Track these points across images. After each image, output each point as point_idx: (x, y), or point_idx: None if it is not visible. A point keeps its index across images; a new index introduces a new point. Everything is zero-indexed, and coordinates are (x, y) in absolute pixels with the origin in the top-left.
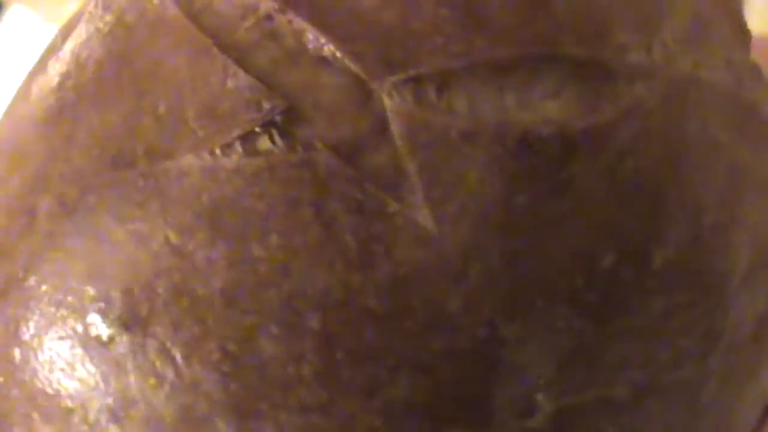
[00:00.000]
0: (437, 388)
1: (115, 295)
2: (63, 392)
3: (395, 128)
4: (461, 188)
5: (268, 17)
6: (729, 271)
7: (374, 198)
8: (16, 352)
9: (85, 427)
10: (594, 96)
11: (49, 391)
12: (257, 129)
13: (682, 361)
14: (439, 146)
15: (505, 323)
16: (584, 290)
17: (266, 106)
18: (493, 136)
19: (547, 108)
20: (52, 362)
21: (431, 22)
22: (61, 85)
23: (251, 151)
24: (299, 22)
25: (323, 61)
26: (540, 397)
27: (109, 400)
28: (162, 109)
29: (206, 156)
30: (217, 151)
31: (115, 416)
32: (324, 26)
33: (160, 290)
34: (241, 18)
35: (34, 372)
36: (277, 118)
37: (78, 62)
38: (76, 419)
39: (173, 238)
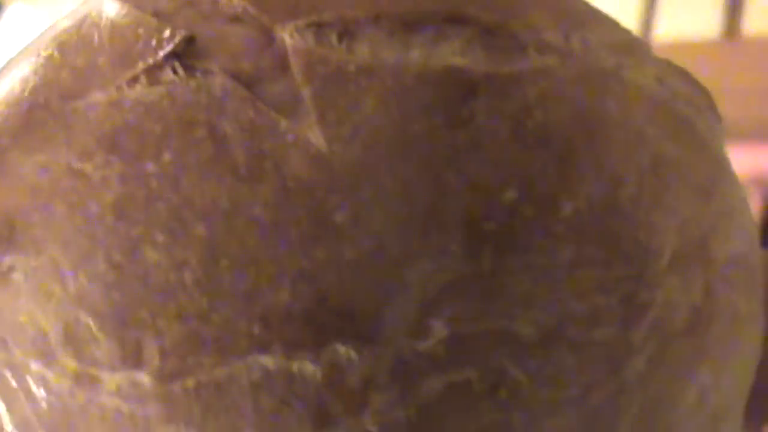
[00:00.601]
0: (319, 297)
1: (17, 223)
2: None
3: (293, 62)
4: (355, 114)
5: None
6: (652, 249)
7: (266, 117)
8: None
9: None
10: (501, 56)
11: None
12: (160, 62)
13: (598, 320)
14: (336, 78)
15: (393, 239)
16: (482, 219)
17: (167, 35)
18: (391, 71)
19: (451, 62)
20: None
21: None
22: None
23: (154, 83)
24: None
25: (234, 18)
26: (433, 321)
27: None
28: (79, 62)
29: (113, 91)
30: (124, 87)
31: (4, 344)
32: None
33: (56, 210)
34: None
35: None
36: (180, 51)
37: None
38: None
39: (74, 163)
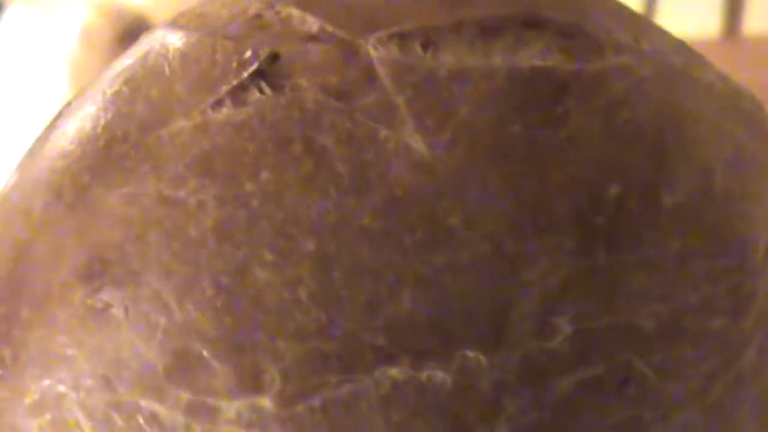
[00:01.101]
0: (442, 302)
1: (110, 257)
2: (57, 373)
3: (382, 72)
4: (452, 119)
5: (257, 15)
6: (750, 237)
7: (365, 127)
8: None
9: (76, 407)
10: (581, 56)
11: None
12: (244, 82)
13: (711, 310)
14: (428, 85)
15: (508, 239)
16: (591, 213)
17: (248, 55)
18: (481, 75)
19: (537, 63)
20: (50, 343)
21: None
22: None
23: (240, 104)
24: (287, 11)
25: (311, 37)
26: (557, 319)
27: (101, 369)
28: (154, 93)
29: (197, 116)
30: (208, 111)
31: (108, 384)
32: (309, 9)
33: (152, 239)
34: (232, 19)
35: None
36: (264, 69)
37: None
38: (69, 399)
39: (164, 190)
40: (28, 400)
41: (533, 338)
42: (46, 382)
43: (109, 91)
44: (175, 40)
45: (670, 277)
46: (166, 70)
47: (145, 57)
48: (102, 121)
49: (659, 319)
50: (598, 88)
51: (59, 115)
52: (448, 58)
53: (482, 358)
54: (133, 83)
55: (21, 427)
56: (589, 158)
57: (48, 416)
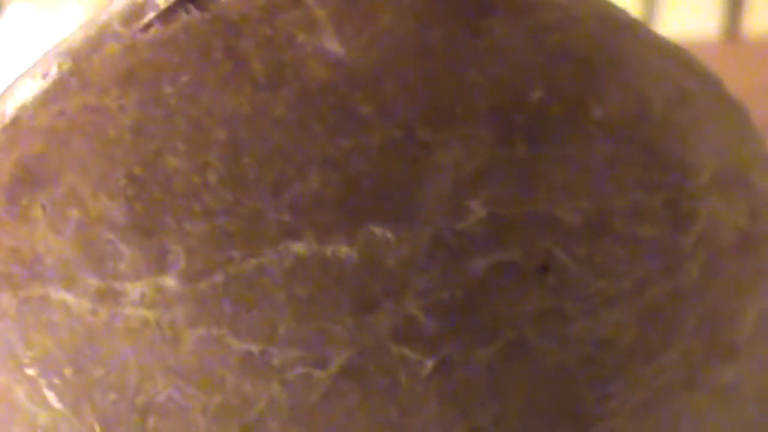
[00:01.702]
0: (350, 182)
1: (33, 164)
2: None
3: None
4: (372, 26)
5: None
6: (689, 162)
7: (284, 32)
8: None
9: None
10: None
11: None
12: (173, 6)
13: (642, 217)
14: (350, 1)
15: (422, 126)
16: (511, 111)
17: None
18: None
19: None
20: None
21: None
22: None
23: (168, 24)
24: None
25: None
26: (470, 202)
27: (15, 268)
28: (90, 32)
29: (127, 39)
30: (138, 34)
31: (21, 280)
32: None
33: (73, 143)
34: None
35: None
36: None
37: None
38: None
39: (89, 100)
40: None
41: (444, 218)
42: None
43: (53, 46)
44: None
45: (596, 177)
46: (104, 15)
47: (92, 19)
48: (44, 63)
49: (584, 214)
50: (527, 11)
51: None
52: None
53: (389, 234)
54: (75, 33)
55: None
56: (512, 65)
57: None
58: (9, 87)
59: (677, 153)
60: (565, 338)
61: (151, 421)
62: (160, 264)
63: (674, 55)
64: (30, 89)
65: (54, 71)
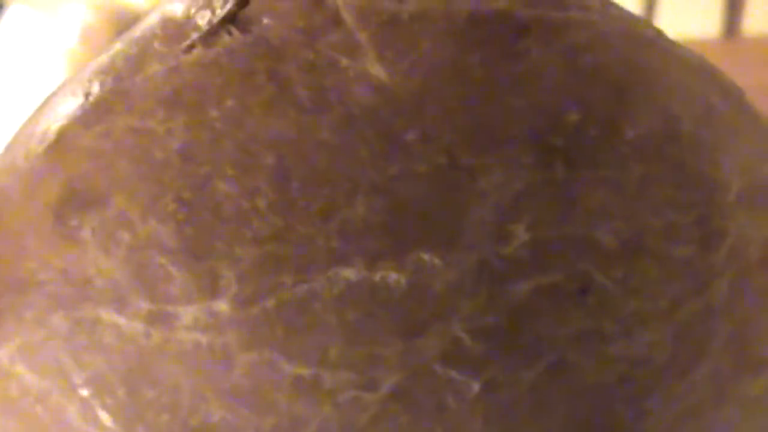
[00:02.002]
0: (397, 208)
1: (80, 186)
2: (25, 298)
3: (346, 16)
4: (412, 52)
5: None
6: (718, 179)
7: (327, 56)
8: None
9: (42, 329)
10: (546, 5)
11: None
12: (215, 28)
13: (676, 236)
14: (390, 24)
15: (465, 152)
16: (549, 134)
17: (219, 3)
18: (442, 15)
19: (499, 6)
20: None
21: None
22: None
23: (211, 46)
24: None
25: None
26: (513, 226)
27: (67, 290)
28: (132, 51)
29: (171, 60)
30: (181, 55)
31: (73, 302)
32: None
33: (121, 166)
34: None
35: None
36: (234, 15)
37: None
38: (36, 321)
39: (135, 123)
40: (5, 342)
41: (489, 243)
42: (16, 307)
43: (92, 63)
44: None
45: (630, 198)
46: (142, 32)
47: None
48: (84, 81)
49: (620, 236)
50: (559, 33)
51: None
52: (411, 3)
53: (437, 260)
54: (114, 49)
55: (1, 363)
56: (548, 89)
57: (17, 340)
58: (47, 104)
59: (706, 170)
60: (603, 358)
61: None
62: (211, 289)
63: (699, 69)
64: (72, 108)
65: (96, 90)
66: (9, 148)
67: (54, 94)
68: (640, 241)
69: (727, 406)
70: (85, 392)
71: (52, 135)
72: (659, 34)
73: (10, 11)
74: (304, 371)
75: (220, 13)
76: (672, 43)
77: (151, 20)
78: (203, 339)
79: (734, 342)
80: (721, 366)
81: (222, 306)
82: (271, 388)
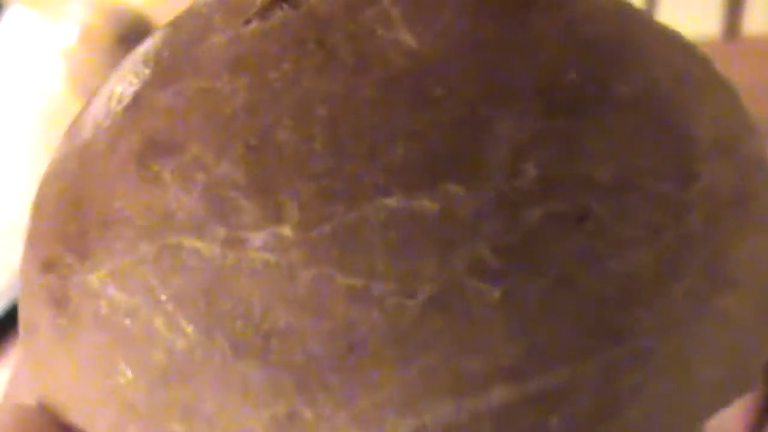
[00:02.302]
0: (429, 150)
1: (159, 137)
2: (115, 228)
3: None
4: (437, 23)
5: None
6: (693, 131)
7: (365, 27)
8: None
9: (133, 259)
10: None
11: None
12: (269, 5)
13: (658, 174)
14: (417, 1)
15: (482, 105)
16: (552, 91)
17: None
18: None
19: None
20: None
21: None
22: None
23: (266, 19)
24: None
25: None
26: (524, 165)
27: (152, 221)
28: (191, 24)
29: (230, 32)
30: (240, 27)
31: (158, 232)
32: None
33: (193, 119)
34: None
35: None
36: None
37: None
38: (129, 252)
39: (203, 84)
40: (96, 269)
41: (505, 177)
42: (107, 239)
43: (157, 32)
44: None
45: (624, 143)
46: (205, 9)
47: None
48: (150, 50)
49: (614, 174)
50: (561, 5)
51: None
52: None
53: (462, 191)
54: (176, 23)
55: (92, 286)
56: (551, 53)
57: (108, 266)
58: (117, 72)
59: (683, 123)
60: (600, 273)
61: (274, 342)
62: (277, 216)
63: (674, 40)
64: (142, 74)
65: (166, 56)
66: (87, 108)
67: (126, 60)
68: (630, 179)
69: (704, 322)
70: (169, 306)
71: (128, 97)
72: (643, 12)
73: (10, 12)
74: (356, 282)
75: None
76: (652, 19)
77: (208, 1)
78: (271, 258)
79: (709, 265)
80: (698, 285)
81: (286, 231)
82: (329, 297)
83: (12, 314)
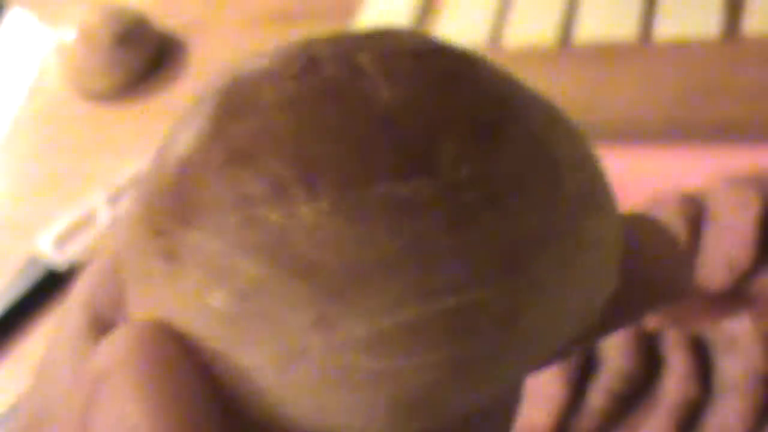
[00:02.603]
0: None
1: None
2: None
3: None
4: None
5: None
6: (557, 154)
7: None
8: None
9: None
10: None
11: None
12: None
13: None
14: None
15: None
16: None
17: None
18: None
19: None
20: None
21: None
22: None
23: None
24: None
25: None
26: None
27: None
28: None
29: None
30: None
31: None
32: None
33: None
34: None
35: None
36: None
37: None
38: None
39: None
40: (196, 230)
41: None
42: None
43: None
44: None
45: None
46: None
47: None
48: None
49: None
50: (478, 79)
51: None
52: None
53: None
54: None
55: (193, 242)
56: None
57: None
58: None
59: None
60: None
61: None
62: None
63: (547, 104)
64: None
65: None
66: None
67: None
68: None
69: (568, 240)
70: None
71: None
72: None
73: (11, 12)
74: None
75: None
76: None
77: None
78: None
79: (584, 193)
80: (570, 207)
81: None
82: None
83: (12, 314)
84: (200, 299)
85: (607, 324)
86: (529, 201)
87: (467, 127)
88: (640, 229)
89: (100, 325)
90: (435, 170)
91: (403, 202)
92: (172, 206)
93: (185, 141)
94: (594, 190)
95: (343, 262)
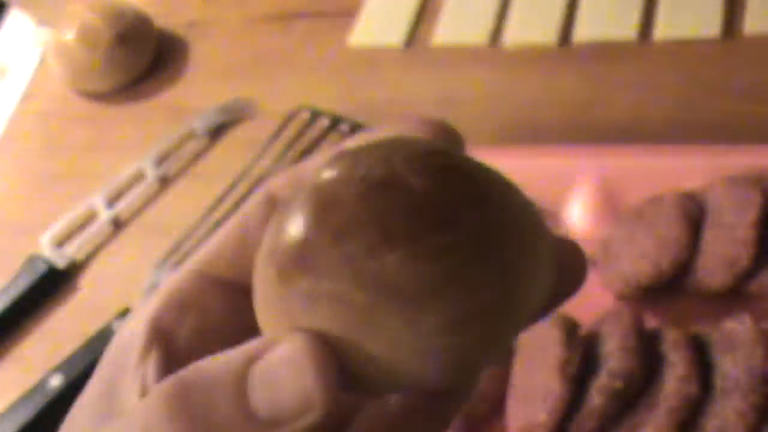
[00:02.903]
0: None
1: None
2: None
3: None
4: None
5: None
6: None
7: None
8: None
9: None
10: None
11: None
12: None
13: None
14: None
15: None
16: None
17: None
18: None
19: None
20: None
21: None
22: None
23: None
24: None
25: None
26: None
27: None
28: None
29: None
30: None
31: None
32: None
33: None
34: None
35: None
36: None
37: None
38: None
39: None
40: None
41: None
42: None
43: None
44: None
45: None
46: None
47: None
48: None
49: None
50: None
51: None
52: None
53: None
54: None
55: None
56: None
57: None
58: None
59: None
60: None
61: None
62: None
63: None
64: None
65: None
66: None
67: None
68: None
69: (539, 258)
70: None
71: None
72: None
73: (11, 13)
74: None
75: None
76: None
77: None
78: None
79: (534, 233)
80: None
81: None
82: None
83: (13, 313)
84: (333, 317)
85: (549, 304)
86: (512, 250)
87: (468, 201)
88: (563, 246)
89: (159, 336)
90: (455, 228)
91: (440, 247)
92: (297, 269)
93: (296, 229)
94: (537, 230)
95: (417, 286)
